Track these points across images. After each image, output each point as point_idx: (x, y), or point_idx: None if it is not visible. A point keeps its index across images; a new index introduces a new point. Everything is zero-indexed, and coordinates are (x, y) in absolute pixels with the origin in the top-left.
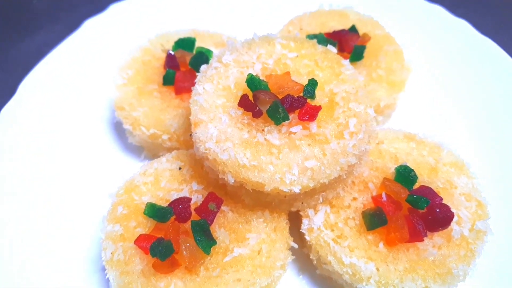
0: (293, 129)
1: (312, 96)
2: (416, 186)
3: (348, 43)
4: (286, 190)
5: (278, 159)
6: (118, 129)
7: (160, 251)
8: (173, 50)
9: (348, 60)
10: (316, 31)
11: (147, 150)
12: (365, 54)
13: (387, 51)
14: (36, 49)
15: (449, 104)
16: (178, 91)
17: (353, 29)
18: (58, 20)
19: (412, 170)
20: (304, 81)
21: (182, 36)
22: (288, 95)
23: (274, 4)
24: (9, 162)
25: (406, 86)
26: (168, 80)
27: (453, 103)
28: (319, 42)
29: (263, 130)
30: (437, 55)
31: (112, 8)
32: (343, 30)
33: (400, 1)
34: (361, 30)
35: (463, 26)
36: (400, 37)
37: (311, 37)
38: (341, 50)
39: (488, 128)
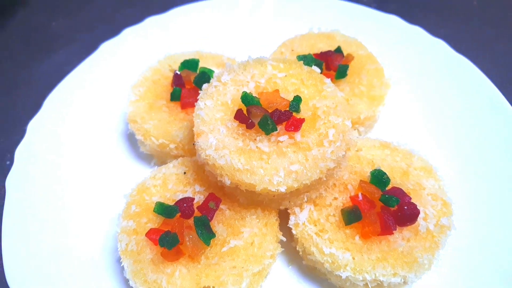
0: (281, 138)
1: (297, 110)
2: (389, 188)
3: (334, 62)
4: (274, 190)
5: (267, 163)
6: (131, 139)
7: (167, 242)
8: (179, 70)
9: (330, 79)
10: (306, 52)
11: (157, 158)
12: (349, 72)
13: (369, 69)
14: (57, 68)
15: (424, 116)
16: (184, 106)
17: (338, 50)
18: (75, 41)
19: (385, 173)
20: (291, 97)
21: (187, 57)
22: (277, 109)
23: (270, 28)
24: (39, 167)
25: (387, 101)
26: (175, 97)
27: (427, 115)
28: (308, 62)
29: (255, 139)
30: (416, 72)
31: (125, 32)
32: (329, 51)
33: (383, 23)
34: (346, 51)
35: (441, 46)
36: (382, 56)
37: (301, 57)
38: (327, 69)
39: (456, 138)
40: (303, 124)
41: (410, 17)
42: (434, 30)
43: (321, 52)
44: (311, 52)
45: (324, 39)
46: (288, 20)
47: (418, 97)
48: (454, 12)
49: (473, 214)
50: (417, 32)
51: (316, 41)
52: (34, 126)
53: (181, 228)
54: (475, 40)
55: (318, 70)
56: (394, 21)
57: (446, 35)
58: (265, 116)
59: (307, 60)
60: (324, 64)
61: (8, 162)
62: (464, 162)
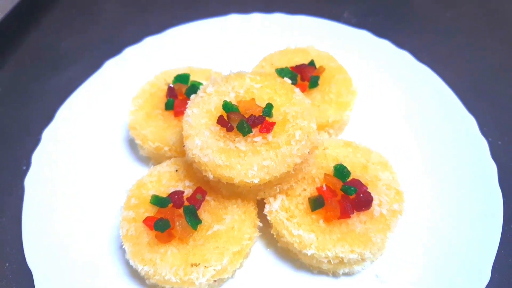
0: (255, 139)
1: (269, 115)
2: (349, 179)
3: (307, 74)
4: (249, 182)
5: (244, 160)
6: (132, 144)
7: (161, 226)
8: (173, 83)
9: (299, 88)
10: (284, 65)
11: (153, 159)
12: (320, 82)
13: (338, 79)
14: (66, 83)
15: (387, 120)
16: (177, 114)
17: (311, 63)
18: (82, 59)
19: (345, 167)
20: (265, 105)
21: (180, 72)
22: (252, 115)
23: (253, 45)
24: (53, 169)
25: (356, 107)
26: (169, 106)
27: (389, 119)
28: (285, 74)
29: (234, 140)
30: (382, 81)
31: (126, 50)
32: (303, 64)
33: (354, 37)
34: (319, 63)
35: (405, 57)
36: (351, 67)
37: (279, 70)
38: (302, 80)
39: (411, 137)
40: (274, 126)
41: (385, 30)
42: (408, 41)
43: (297, 65)
44: (288, 65)
45: (300, 54)
46: (269, 38)
47: (383, 103)
48: (428, 23)
49: (421, 201)
50: (384, 45)
51: (293, 55)
52: (48, 133)
53: (172, 215)
54: (446, 50)
55: (289, 81)
56: (364, 35)
57: (420, 45)
58: (242, 121)
59: (284, 72)
60: (299, 75)
61: (24, 167)
62: (417, 158)
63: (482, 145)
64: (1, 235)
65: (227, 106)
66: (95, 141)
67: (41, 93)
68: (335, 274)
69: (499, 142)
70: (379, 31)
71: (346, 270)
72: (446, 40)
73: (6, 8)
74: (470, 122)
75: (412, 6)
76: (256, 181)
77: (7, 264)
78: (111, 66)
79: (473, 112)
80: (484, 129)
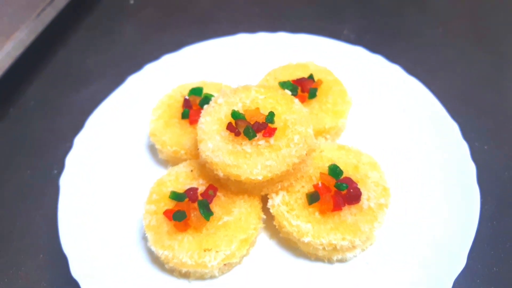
0: (259, 142)
1: (271, 122)
2: (342, 178)
3: (307, 86)
4: (254, 179)
5: (249, 160)
6: (152, 149)
7: (178, 217)
8: (188, 96)
9: (298, 99)
10: (286, 79)
11: (171, 162)
12: (318, 93)
13: (334, 91)
14: (91, 97)
15: (378, 126)
16: (192, 123)
17: (310, 76)
18: (105, 75)
19: (339, 167)
20: (267, 113)
21: (194, 86)
22: (257, 122)
23: (258, 61)
24: (85, 170)
25: (350, 115)
26: (185, 115)
27: (381, 126)
28: (287, 87)
29: (241, 143)
30: (375, 92)
31: (147, 67)
32: (303, 78)
33: (349, 53)
34: (317, 77)
35: (396, 70)
36: (347, 80)
37: (282, 83)
38: (302, 91)
39: (399, 141)
40: (276, 132)
41: (381, 46)
42: (402, 55)
43: (297, 79)
44: (290, 79)
45: (300, 68)
46: (273, 54)
47: (375, 112)
48: (421, 38)
49: (407, 197)
50: (377, 60)
51: (294, 70)
52: (80, 139)
53: (188, 208)
54: (437, 63)
55: (290, 93)
56: (358, 51)
57: (413, 59)
58: (248, 127)
59: (286, 85)
60: (299, 88)
61: (55, 171)
62: (404, 159)
63: (463, 148)
64: (36, 230)
65: (235, 115)
66: (120, 147)
67: (69, 106)
68: (330, 261)
69: (485, 147)
70: (376, 46)
71: (339, 257)
72: (437, 53)
73: (37, 30)
74: (453, 128)
75: (406, 23)
76: (260, 178)
77: (41, 255)
78: (133, 81)
79: (461, 119)
80: (472, 135)
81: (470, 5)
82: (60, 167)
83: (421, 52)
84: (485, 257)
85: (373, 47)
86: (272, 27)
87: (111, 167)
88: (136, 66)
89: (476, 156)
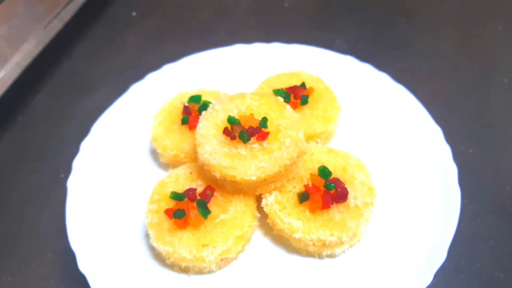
0: (253, 146)
1: (265, 127)
2: (331, 178)
3: (299, 94)
4: (248, 179)
5: (244, 162)
6: (154, 153)
7: (178, 215)
8: (187, 103)
9: (290, 105)
10: (280, 86)
11: (172, 165)
12: (310, 100)
13: (325, 98)
14: (95, 104)
15: (365, 130)
16: (191, 128)
17: (303, 84)
18: (109, 83)
19: (328, 169)
20: (261, 118)
21: (193, 93)
22: (251, 126)
23: (254, 70)
24: (90, 174)
25: (340, 121)
26: (184, 121)
27: (367, 129)
28: (281, 94)
29: (236, 147)
30: (364, 99)
31: (149, 76)
32: (296, 86)
33: (339, 62)
34: (309, 85)
35: (384, 78)
36: (337, 88)
37: (275, 91)
38: (295, 98)
39: (385, 145)
40: (268, 135)
41: (372, 55)
42: (392, 64)
43: (290, 87)
44: (283, 87)
45: (293, 77)
46: (268, 64)
47: (363, 117)
48: (410, 47)
49: (391, 196)
50: (366, 68)
51: (287, 78)
52: (86, 144)
53: (188, 207)
54: (425, 71)
55: (282, 100)
56: (348, 60)
57: (402, 67)
58: (243, 131)
59: (280, 92)
60: (292, 95)
61: (62, 175)
62: (390, 162)
63: (446, 150)
64: (44, 230)
65: (231, 120)
66: (124, 151)
67: (74, 113)
68: (320, 256)
69: (470, 150)
70: (367, 55)
71: (329, 252)
72: (425, 62)
73: (44, 41)
74: (436, 132)
75: (396, 33)
76: (254, 178)
77: (49, 254)
78: (136, 89)
79: (447, 124)
80: (457, 139)
81: (457, 17)
82: (66, 171)
83: (410, 61)
84: (469, 254)
85: (364, 56)
86: (268, 38)
87: (115, 170)
88: (138, 75)
89: (461, 158)
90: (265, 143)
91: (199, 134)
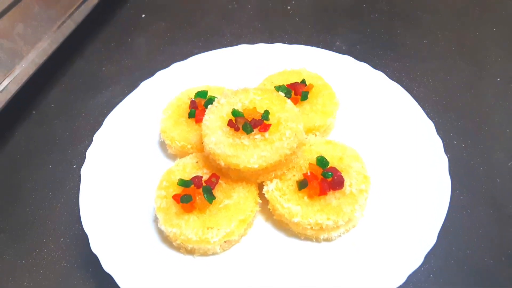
0: (256, 136)
1: (267, 119)
2: (328, 167)
3: (299, 90)
4: (250, 167)
5: (247, 151)
6: (162, 145)
7: (185, 199)
8: (194, 98)
9: (290, 100)
10: (281, 83)
11: (179, 156)
12: (309, 96)
13: (324, 94)
14: (106, 101)
15: (362, 124)
16: (197, 121)
17: (303, 81)
18: (119, 82)
19: (325, 158)
20: (263, 111)
21: (200, 89)
22: (253, 119)
23: (257, 68)
24: (103, 163)
25: (338, 116)
26: (191, 115)
27: (364, 123)
28: (282, 90)
29: (240, 137)
30: (360, 95)
31: (158, 73)
32: (296, 82)
33: (337, 61)
34: (309, 82)
35: (380, 75)
36: (335, 84)
37: (277, 87)
38: (295, 94)
39: (380, 137)
40: (270, 127)
41: (370, 56)
42: (390, 65)
43: (291, 83)
44: (285, 83)
45: (294, 74)
46: (270, 63)
47: (359, 112)
48: (407, 49)
49: (385, 185)
50: (363, 67)
51: (289, 76)
52: (98, 136)
53: (194, 193)
54: (422, 72)
55: (283, 95)
56: (346, 59)
57: (400, 68)
58: (246, 123)
59: (281, 88)
60: (293, 91)
61: (75, 166)
62: (384, 153)
63: (437, 143)
64: (57, 217)
65: (235, 113)
66: (134, 142)
67: (86, 109)
68: (317, 240)
69: (463, 145)
70: (365, 56)
71: (326, 236)
72: (421, 63)
73: (58, 40)
74: (428, 126)
75: (395, 36)
76: (256, 166)
77: (62, 239)
78: (146, 86)
79: (442, 120)
80: (451, 134)
81: (452, 20)
82: (79, 162)
83: (406, 62)
84: (459, 241)
85: (363, 57)
86: (271, 40)
87: (126, 160)
88: (148, 75)
89: (454, 152)
90: (266, 134)
91: (205, 125)
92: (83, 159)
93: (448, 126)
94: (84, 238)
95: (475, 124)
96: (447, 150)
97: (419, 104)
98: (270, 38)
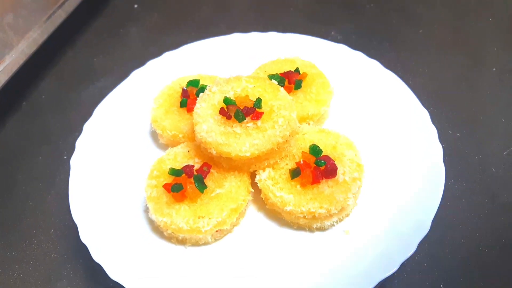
0: (248, 125)
1: (259, 107)
2: (321, 156)
3: (293, 78)
4: (242, 155)
5: (239, 140)
6: (154, 135)
7: (176, 188)
8: (186, 87)
9: (283, 88)
10: (275, 72)
11: (171, 146)
12: (303, 84)
13: (318, 82)
14: (98, 92)
15: (356, 112)
16: (189, 110)
17: (296, 70)
18: (111, 72)
19: (318, 147)
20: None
21: (192, 78)
22: (246, 106)
23: (250, 57)
24: (93, 152)
25: (333, 105)
26: (183, 104)
27: (358, 111)
28: (275, 79)
29: (232, 126)
30: (355, 83)
31: (149, 63)
32: (290, 71)
33: (332, 50)
34: (302, 70)
35: (374, 64)
36: (329, 73)
37: (270, 76)
38: (289, 83)
39: (374, 125)
40: (262, 115)
41: (365, 47)
42: (385, 55)
43: (285, 72)
44: (278, 72)
45: (288, 63)
46: (264, 51)
47: (353, 100)
48: (403, 40)
49: (380, 174)
50: (358, 55)
51: (282, 64)
52: (88, 126)
53: (185, 182)
54: (417, 62)
55: (276, 82)
56: (341, 48)
57: (395, 58)
58: (238, 111)
59: (275, 77)
60: (286, 80)
61: (65, 157)
62: (378, 141)
63: (432, 131)
64: (47, 208)
65: (227, 100)
66: (125, 133)
67: (77, 100)
68: (310, 229)
69: (458, 134)
70: (360, 46)
71: (318, 225)
72: (417, 54)
73: (49, 30)
74: (423, 114)
75: (390, 27)
76: (248, 154)
77: (52, 230)
78: (137, 75)
79: (437, 110)
80: (446, 124)
81: (449, 10)
82: (70, 153)
83: (402, 52)
84: (454, 230)
85: (358, 47)
86: (266, 30)
87: (116, 150)
88: (140, 65)
89: (449, 142)
90: (259, 122)
91: (197, 113)
92: (74, 150)
93: (443, 116)
94: (75, 229)
95: (470, 114)
96: (442, 140)
97: (414, 94)
98: (265, 29)
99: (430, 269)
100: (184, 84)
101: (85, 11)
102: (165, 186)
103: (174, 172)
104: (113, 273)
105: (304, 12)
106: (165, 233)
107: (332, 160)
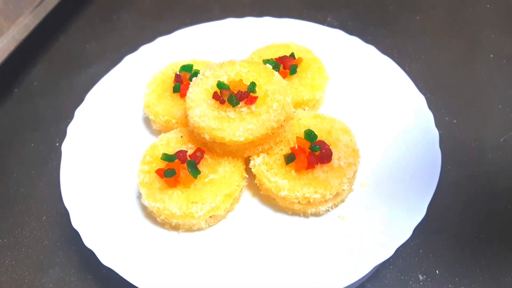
0: (242, 109)
1: (253, 91)
2: (316, 141)
3: (288, 63)
4: (236, 140)
5: (233, 124)
6: (147, 121)
7: (169, 173)
8: (179, 72)
9: (278, 73)
10: (269, 57)
11: (164, 131)
12: (298, 69)
13: (313, 67)
14: (90, 78)
15: (352, 97)
16: (182, 96)
17: (292, 55)
18: (104, 59)
19: (313, 132)
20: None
21: (185, 63)
22: (239, 91)
23: (245, 42)
24: (85, 138)
25: (328, 90)
26: (176, 89)
27: (354, 97)
28: (270, 64)
29: (225, 110)
30: (350, 68)
31: (142, 48)
32: (285, 56)
33: (328, 35)
34: (298, 55)
35: (370, 49)
36: (325, 58)
37: (265, 61)
38: (284, 68)
39: (370, 110)
40: (257, 100)
41: (361, 32)
42: (381, 41)
43: (280, 57)
44: (273, 57)
45: (283, 48)
46: (259, 36)
47: (349, 85)
48: (399, 26)
49: (375, 159)
50: (354, 41)
51: (277, 49)
52: (80, 111)
53: (178, 167)
54: (414, 48)
55: (270, 67)
56: (337, 33)
57: (392, 44)
58: (231, 95)
59: (270, 62)
60: (282, 65)
61: (57, 144)
62: (374, 126)
63: (428, 116)
64: (39, 195)
65: (220, 85)
66: (117, 118)
67: (69, 86)
68: (305, 215)
69: (454, 121)
70: (357, 32)
71: (313, 210)
72: (414, 40)
73: (40, 16)
74: (419, 99)
75: (387, 13)
76: (241, 139)
77: (44, 217)
78: (129, 60)
79: (434, 97)
80: (443, 111)
81: None
82: (62, 139)
83: (399, 38)
84: (450, 216)
85: (354, 33)
86: (261, 15)
87: (108, 136)
88: (132, 50)
89: (446, 128)
90: (253, 107)
91: (190, 98)
92: (66, 134)
93: (440, 102)
94: (67, 216)
95: (467, 100)
96: (438, 126)
97: (411, 80)
98: (260, 14)
99: (426, 254)
100: (177, 69)
101: None
102: (158, 171)
103: (167, 157)
104: (106, 259)
105: None
106: (158, 219)
107: (327, 145)
